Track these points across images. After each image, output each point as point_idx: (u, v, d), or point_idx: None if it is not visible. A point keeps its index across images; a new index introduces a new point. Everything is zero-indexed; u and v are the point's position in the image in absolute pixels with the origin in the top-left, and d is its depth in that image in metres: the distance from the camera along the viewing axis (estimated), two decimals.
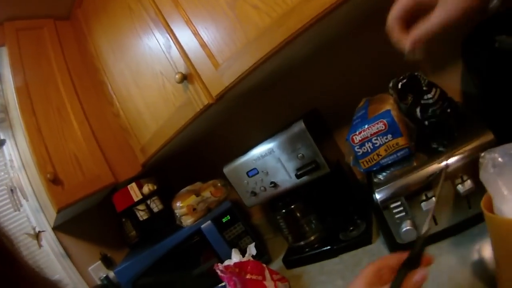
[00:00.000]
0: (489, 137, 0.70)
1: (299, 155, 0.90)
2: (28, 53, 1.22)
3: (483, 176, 0.53)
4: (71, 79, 1.27)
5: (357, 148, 0.81)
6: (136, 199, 1.22)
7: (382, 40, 0.55)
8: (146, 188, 1.22)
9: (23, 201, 1.30)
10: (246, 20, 0.79)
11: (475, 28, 0.81)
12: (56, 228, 1.34)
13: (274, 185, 0.98)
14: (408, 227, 0.75)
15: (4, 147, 1.32)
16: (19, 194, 1.31)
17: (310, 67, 1.08)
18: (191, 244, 1.13)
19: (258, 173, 0.98)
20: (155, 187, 1.24)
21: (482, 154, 0.53)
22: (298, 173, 0.92)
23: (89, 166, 1.17)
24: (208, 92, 0.90)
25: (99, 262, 1.40)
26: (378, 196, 0.77)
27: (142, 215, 1.20)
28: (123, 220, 1.32)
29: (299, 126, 0.88)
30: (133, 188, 1.21)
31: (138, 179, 1.26)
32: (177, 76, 0.91)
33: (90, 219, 1.42)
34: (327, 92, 1.08)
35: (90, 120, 1.24)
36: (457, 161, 0.71)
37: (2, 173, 1.33)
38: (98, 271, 1.38)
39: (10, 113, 1.29)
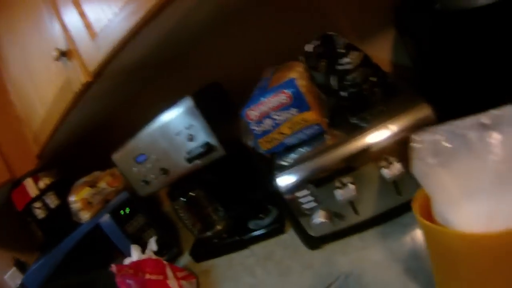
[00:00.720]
0: (425, 111, 0.57)
1: (189, 137, 0.76)
2: None
3: (418, 167, 0.38)
4: None
5: (254, 126, 0.67)
6: (32, 196, 1.05)
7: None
8: (42, 183, 1.06)
9: None
10: None
11: None
12: None
13: (165, 171, 0.83)
14: (320, 219, 0.63)
15: None
16: None
17: (211, 37, 0.94)
18: (94, 241, 0.98)
19: (147, 158, 0.84)
20: (52, 181, 1.07)
21: (417, 136, 0.39)
22: (189, 157, 0.79)
23: None
24: (86, 69, 0.74)
25: (14, 268, 1.24)
26: (279, 183, 0.64)
27: (39, 213, 1.04)
28: (28, 220, 1.15)
29: (187, 103, 0.74)
30: (28, 183, 1.04)
31: (36, 173, 1.09)
32: (54, 52, 0.74)
33: None
34: (231, 64, 0.94)
35: None
36: (383, 139, 0.58)
37: None
38: (15, 278, 1.22)
39: None
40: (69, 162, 1.17)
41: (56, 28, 0.77)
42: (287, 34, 0.88)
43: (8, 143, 1.06)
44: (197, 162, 0.78)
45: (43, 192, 1.05)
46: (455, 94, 0.65)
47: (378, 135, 0.58)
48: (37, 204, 1.04)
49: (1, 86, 1.06)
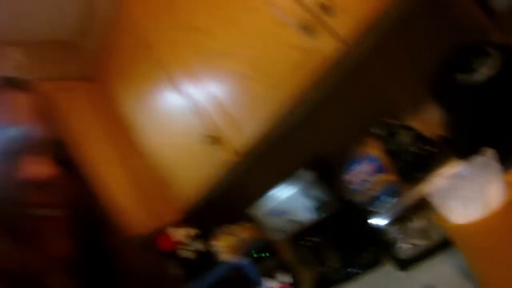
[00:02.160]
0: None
1: (314, 197, 1.14)
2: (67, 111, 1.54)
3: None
4: (105, 134, 1.57)
5: (353, 185, 1.03)
6: (178, 241, 1.48)
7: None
8: (185, 231, 1.48)
9: None
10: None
11: (436, 70, 0.99)
12: None
13: (295, 222, 1.20)
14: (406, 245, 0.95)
15: None
16: None
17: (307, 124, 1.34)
18: (232, 280, 1.35)
19: (279, 213, 1.22)
20: (194, 230, 1.50)
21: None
22: (312, 212, 1.16)
23: (129, 214, 1.47)
24: (234, 150, 1.19)
25: None
26: (377, 223, 0.98)
27: (185, 254, 1.45)
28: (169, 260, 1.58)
29: (311, 174, 1.14)
30: (175, 231, 1.48)
31: (179, 224, 1.53)
32: (206, 137, 1.21)
33: None
34: (323, 143, 1.33)
35: (129, 174, 1.54)
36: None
37: None
38: None
39: None
40: (205, 214, 1.60)
41: (203, 114, 1.24)
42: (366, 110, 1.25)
43: (154, 199, 1.51)
44: (318, 216, 1.14)
45: (189, 239, 1.48)
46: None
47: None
48: (183, 247, 1.46)
49: (145, 153, 1.55)
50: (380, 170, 0.99)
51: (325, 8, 0.88)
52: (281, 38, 1.00)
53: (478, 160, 0.66)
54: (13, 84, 0.49)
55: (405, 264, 0.99)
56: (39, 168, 0.43)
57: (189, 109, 1.32)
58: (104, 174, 1.40)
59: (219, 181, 1.35)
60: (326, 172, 1.21)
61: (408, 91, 1.13)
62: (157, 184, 1.55)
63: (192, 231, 1.50)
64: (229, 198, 1.59)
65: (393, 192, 1.00)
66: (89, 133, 1.51)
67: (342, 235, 1.21)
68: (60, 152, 0.49)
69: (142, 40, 1.48)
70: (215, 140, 1.21)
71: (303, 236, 1.26)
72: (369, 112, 1.17)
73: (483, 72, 0.86)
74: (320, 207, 1.13)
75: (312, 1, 0.91)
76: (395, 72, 1.14)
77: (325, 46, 0.91)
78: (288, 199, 1.21)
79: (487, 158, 0.65)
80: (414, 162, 0.99)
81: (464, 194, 0.65)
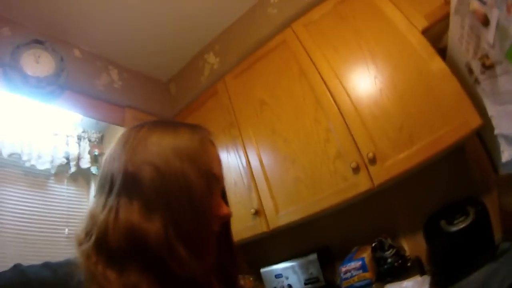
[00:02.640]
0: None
1: (309, 271, 1.63)
2: None
3: None
4: None
5: (343, 274, 1.54)
6: None
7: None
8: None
9: None
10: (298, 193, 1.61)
11: (431, 214, 1.48)
12: None
13: (290, 286, 1.67)
14: None
15: None
16: None
17: (325, 219, 1.84)
18: None
19: (282, 276, 1.70)
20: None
21: None
22: (305, 282, 1.64)
23: None
24: (267, 223, 1.67)
25: None
26: None
27: None
28: None
29: (314, 256, 1.65)
30: None
31: None
32: (252, 210, 1.68)
33: None
34: (334, 237, 1.83)
35: None
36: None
37: None
38: None
39: None
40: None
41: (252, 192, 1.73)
42: (368, 223, 1.76)
43: None
44: (309, 286, 1.62)
45: None
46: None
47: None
48: None
49: None
50: (363, 268, 1.52)
51: (370, 159, 1.45)
52: (334, 166, 1.55)
53: (420, 280, 1.21)
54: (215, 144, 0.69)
55: None
56: (229, 210, 0.66)
57: (247, 180, 1.81)
58: None
59: (245, 239, 1.76)
60: (326, 258, 1.71)
61: (407, 221, 1.65)
62: None
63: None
64: (248, 254, 2.00)
65: (367, 286, 1.53)
66: None
67: None
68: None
69: (224, 104, 2.01)
70: (257, 212, 1.70)
71: None
72: (374, 228, 1.68)
73: (459, 225, 1.34)
74: (311, 281, 1.61)
75: (364, 150, 1.46)
76: (402, 205, 1.67)
77: (362, 184, 1.46)
78: (291, 267, 1.68)
79: (425, 281, 1.20)
80: (388, 270, 1.53)
81: None
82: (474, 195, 1.45)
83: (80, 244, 0.55)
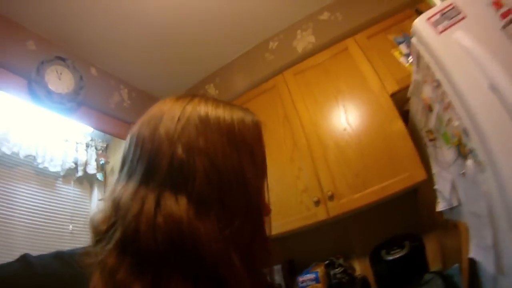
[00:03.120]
0: None
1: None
2: None
3: None
4: None
5: (300, 284, 1.91)
6: None
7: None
8: None
9: None
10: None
11: (378, 244, 1.89)
12: None
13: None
14: None
15: None
16: None
17: (294, 237, 2.19)
18: None
19: None
20: None
21: None
22: None
23: None
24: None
25: None
26: None
27: None
28: None
29: (278, 267, 2.00)
30: None
31: None
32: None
33: None
34: (300, 252, 2.17)
35: None
36: None
37: None
38: None
39: (112, 182, 2.25)
40: None
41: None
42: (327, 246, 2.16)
43: None
44: None
45: None
46: None
47: None
48: None
49: None
50: (316, 280, 1.89)
51: (329, 196, 1.84)
52: (301, 197, 1.92)
53: None
54: None
55: None
56: (269, 207, 0.59)
57: None
58: None
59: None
60: (290, 269, 2.08)
61: (360, 246, 2.02)
62: None
63: None
64: None
65: None
66: None
67: None
68: None
69: None
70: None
71: None
72: (333, 248, 2.06)
73: (395, 255, 1.73)
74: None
75: (325, 188, 1.85)
76: (357, 233, 2.05)
77: (320, 215, 1.85)
78: None
79: None
80: (337, 284, 1.87)
81: None
82: (418, 232, 1.84)
83: (97, 237, 0.46)
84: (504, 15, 1.05)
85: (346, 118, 1.92)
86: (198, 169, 0.46)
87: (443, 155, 1.34)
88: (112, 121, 2.18)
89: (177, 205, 0.44)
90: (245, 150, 0.51)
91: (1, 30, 1.75)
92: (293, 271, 2.10)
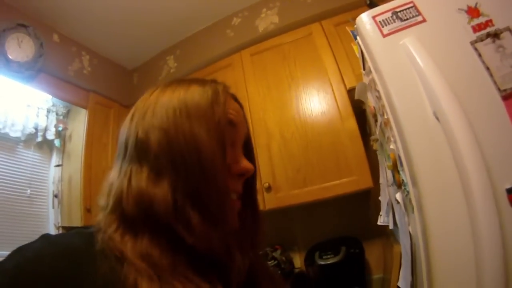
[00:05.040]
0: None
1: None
2: (98, 121, 2.51)
3: None
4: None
5: None
6: None
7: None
8: None
9: None
10: None
11: (315, 243, 2.04)
12: None
13: None
14: None
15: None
16: None
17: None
18: None
19: None
20: None
21: None
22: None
23: None
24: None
25: None
26: None
27: None
28: None
29: None
30: None
31: None
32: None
33: None
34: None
35: None
36: None
37: None
38: None
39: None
40: None
41: None
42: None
43: None
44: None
45: None
46: None
47: None
48: None
49: None
50: None
51: (266, 187, 1.98)
52: None
53: None
54: (237, 99, 0.72)
55: None
56: (249, 165, 0.65)
57: None
58: (101, 172, 2.42)
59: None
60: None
61: (303, 240, 2.22)
62: None
63: None
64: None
65: None
66: (103, 137, 2.54)
67: None
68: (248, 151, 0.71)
69: None
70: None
71: None
72: (276, 238, 2.24)
73: (327, 260, 1.82)
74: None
75: (264, 179, 1.98)
76: (301, 227, 2.23)
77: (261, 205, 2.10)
78: None
79: None
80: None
81: None
82: (362, 236, 1.96)
83: (101, 211, 0.59)
84: (478, 28, 0.93)
85: (296, 108, 2.03)
86: (153, 143, 0.58)
87: (385, 170, 1.33)
88: (71, 88, 2.39)
89: (140, 176, 0.57)
90: (197, 116, 0.59)
91: None
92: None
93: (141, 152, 0.59)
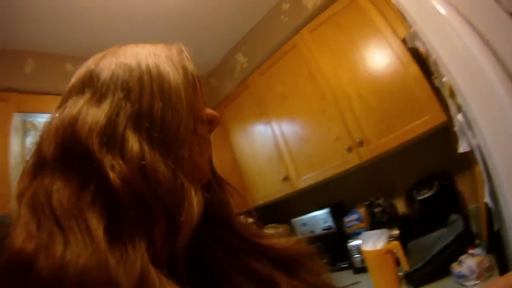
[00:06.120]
0: (395, 231, 2.27)
1: (325, 221, 2.64)
2: None
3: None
4: (214, 144, 3.06)
5: (346, 224, 2.52)
6: None
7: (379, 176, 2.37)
8: (245, 220, 3.00)
9: None
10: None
11: (412, 184, 2.32)
12: None
13: (312, 232, 2.73)
14: None
15: None
16: None
17: (340, 181, 2.76)
18: None
19: (306, 225, 2.72)
20: (253, 220, 3.00)
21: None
22: (323, 229, 2.65)
23: None
24: (292, 186, 2.66)
25: None
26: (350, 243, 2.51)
27: None
28: None
29: (327, 210, 2.61)
30: (242, 218, 2.98)
31: (243, 214, 3.02)
32: (281, 177, 2.73)
33: None
34: (347, 194, 2.77)
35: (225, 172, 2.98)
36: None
37: None
38: None
39: None
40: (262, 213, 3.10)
41: (279, 152, 2.78)
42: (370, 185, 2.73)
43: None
44: (322, 232, 2.66)
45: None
46: None
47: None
48: None
49: (234, 161, 3.07)
50: (359, 220, 2.49)
51: (359, 142, 2.30)
52: (335, 146, 2.43)
53: (383, 230, 2.12)
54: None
55: (357, 270, 2.34)
56: (218, 114, 0.60)
57: (276, 155, 2.77)
58: None
59: (278, 198, 2.80)
60: (338, 211, 2.62)
61: (401, 186, 2.46)
62: (240, 186, 2.92)
63: (250, 219, 2.97)
64: (280, 209, 3.06)
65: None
66: None
67: (334, 246, 2.60)
68: None
69: (255, 97, 2.94)
70: (285, 178, 2.68)
71: (313, 240, 2.75)
72: (377, 188, 2.55)
73: (424, 195, 2.10)
74: (326, 228, 2.65)
75: (354, 136, 2.29)
76: (397, 173, 2.49)
77: (353, 160, 2.27)
78: (313, 217, 2.69)
79: (384, 232, 2.09)
80: (378, 223, 2.35)
81: (372, 239, 1.99)
82: (451, 170, 2.18)
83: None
84: None
85: (364, 68, 2.29)
86: (106, 71, 0.52)
87: (449, 101, 1.52)
88: None
89: (75, 103, 0.50)
90: (165, 56, 0.55)
91: None
92: (341, 212, 2.62)
93: (87, 81, 0.52)
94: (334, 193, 2.84)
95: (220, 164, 3.11)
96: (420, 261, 1.71)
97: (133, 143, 0.45)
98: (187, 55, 0.60)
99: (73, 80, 0.55)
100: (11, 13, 2.12)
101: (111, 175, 0.42)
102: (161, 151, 0.46)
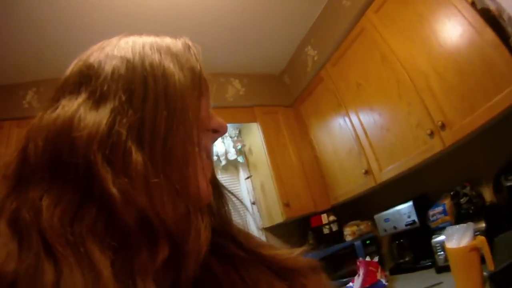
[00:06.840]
0: (481, 224, 2.02)
1: (408, 216, 2.51)
2: (270, 128, 3.04)
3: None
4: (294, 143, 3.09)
5: (431, 217, 2.28)
6: (324, 222, 2.96)
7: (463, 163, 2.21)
8: (328, 218, 2.99)
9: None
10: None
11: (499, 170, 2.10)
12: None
13: (395, 228, 2.62)
14: None
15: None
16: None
17: (422, 172, 2.61)
18: (346, 252, 2.82)
19: (389, 220, 2.60)
20: (334, 217, 2.98)
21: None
22: (406, 224, 2.51)
23: (303, 200, 2.94)
24: (374, 179, 2.56)
25: None
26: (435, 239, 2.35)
27: (325, 231, 2.96)
28: (309, 232, 3.06)
29: (410, 204, 2.44)
30: (324, 216, 2.98)
31: (325, 212, 3.00)
32: (362, 170, 2.66)
33: (287, 227, 3.14)
34: (431, 185, 2.57)
35: (305, 172, 3.05)
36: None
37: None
38: None
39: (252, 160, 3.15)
40: (344, 209, 3.09)
41: (361, 149, 2.71)
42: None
43: (316, 193, 2.98)
44: (408, 227, 2.53)
45: (329, 222, 2.98)
46: None
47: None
48: (326, 227, 2.96)
49: (314, 158, 3.08)
50: (444, 213, 2.28)
51: (440, 126, 2.13)
52: (416, 132, 2.28)
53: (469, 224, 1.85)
54: None
55: (440, 269, 2.14)
56: (224, 122, 0.56)
57: (357, 148, 2.70)
58: (288, 170, 2.97)
59: (360, 194, 2.73)
60: (422, 204, 2.45)
61: (488, 172, 2.22)
62: (321, 184, 3.00)
63: (333, 217, 2.97)
64: (362, 204, 2.98)
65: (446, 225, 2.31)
66: (280, 139, 3.05)
67: (417, 242, 2.45)
68: None
69: (330, 89, 2.91)
70: (366, 171, 2.61)
71: (396, 237, 2.57)
72: (462, 176, 2.32)
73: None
74: (410, 223, 2.51)
75: (436, 119, 2.12)
76: (483, 157, 2.27)
77: (436, 146, 2.09)
78: (396, 212, 2.56)
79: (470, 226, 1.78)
80: (464, 214, 2.13)
81: (456, 235, 1.75)
82: None
83: None
84: None
85: (437, 41, 2.12)
86: (107, 68, 0.49)
87: None
88: (235, 112, 2.98)
89: (69, 104, 0.47)
90: (170, 53, 0.53)
91: None
92: (426, 205, 2.46)
93: (84, 77, 0.48)
94: (417, 185, 2.66)
95: (301, 164, 3.12)
96: (508, 259, 1.54)
97: (137, 157, 0.41)
98: (195, 52, 0.57)
99: (67, 73, 0.51)
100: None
101: (115, 193, 0.38)
102: (165, 169, 0.43)
